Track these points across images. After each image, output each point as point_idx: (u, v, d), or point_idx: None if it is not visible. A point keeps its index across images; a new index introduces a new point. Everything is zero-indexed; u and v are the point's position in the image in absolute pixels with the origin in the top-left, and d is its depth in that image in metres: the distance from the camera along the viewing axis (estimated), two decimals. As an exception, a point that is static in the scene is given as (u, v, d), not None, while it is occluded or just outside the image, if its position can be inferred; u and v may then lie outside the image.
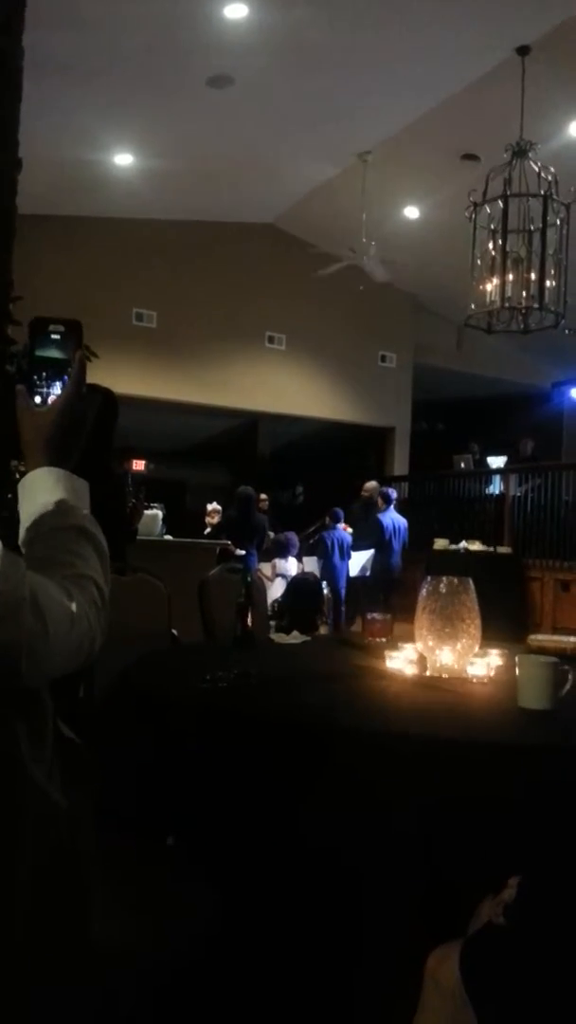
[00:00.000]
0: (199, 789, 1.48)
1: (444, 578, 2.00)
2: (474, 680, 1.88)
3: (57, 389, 1.02)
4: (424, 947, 1.16)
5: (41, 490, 0.99)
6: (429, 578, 2.01)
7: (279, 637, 2.40)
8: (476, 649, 1.96)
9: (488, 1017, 1.09)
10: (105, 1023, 1.10)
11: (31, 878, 0.90)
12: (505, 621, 7.59)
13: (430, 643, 1.96)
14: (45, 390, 1.02)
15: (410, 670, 1.92)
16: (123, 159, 7.55)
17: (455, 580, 2.00)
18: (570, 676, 1.58)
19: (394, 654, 1.97)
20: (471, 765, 1.34)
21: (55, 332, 1.03)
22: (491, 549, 8.28)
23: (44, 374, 1.02)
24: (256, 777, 1.43)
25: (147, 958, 1.24)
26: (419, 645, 1.98)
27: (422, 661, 1.95)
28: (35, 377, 1.02)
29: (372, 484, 8.58)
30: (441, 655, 1.94)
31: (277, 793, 1.40)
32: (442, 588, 1.99)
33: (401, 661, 1.94)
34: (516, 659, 1.62)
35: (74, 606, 0.89)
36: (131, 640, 2.26)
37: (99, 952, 1.08)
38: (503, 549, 8.40)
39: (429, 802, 1.31)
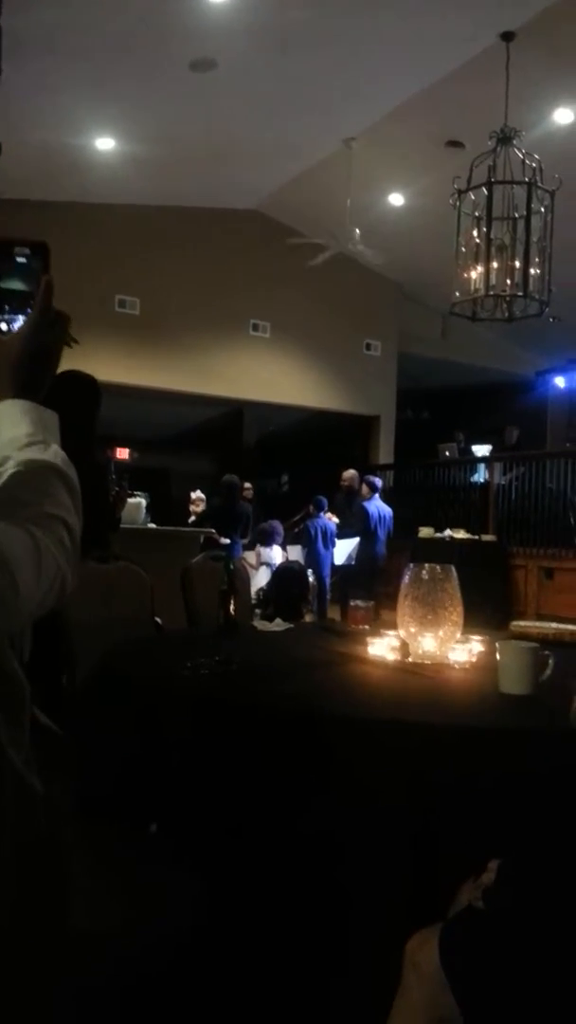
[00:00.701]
0: (181, 776, 1.48)
1: (427, 565, 2.00)
2: (456, 666, 1.88)
3: (19, 321, 0.97)
4: (405, 931, 1.17)
5: (7, 423, 0.94)
6: (412, 565, 2.01)
7: (262, 625, 2.40)
8: (458, 636, 1.97)
9: (467, 1000, 1.10)
10: (85, 1011, 1.10)
11: (8, 865, 0.90)
12: (489, 608, 7.65)
13: (412, 630, 1.96)
14: (8, 319, 0.97)
15: (392, 657, 1.92)
16: (105, 143, 7.47)
17: (437, 568, 2.00)
18: (550, 661, 1.59)
19: (376, 641, 1.97)
20: (452, 750, 1.34)
21: (20, 255, 0.98)
22: (476, 537, 8.32)
23: (6, 306, 0.97)
24: (238, 764, 1.42)
25: (128, 947, 1.24)
26: (401, 632, 1.98)
27: (404, 648, 1.96)
28: (2, 307, 0.97)
29: (351, 472, 8.59)
30: (423, 642, 1.95)
31: (259, 780, 1.40)
32: (424, 575, 1.99)
33: (383, 648, 1.95)
34: (497, 645, 1.63)
35: (40, 550, 0.84)
36: (114, 628, 2.25)
37: (79, 941, 1.08)
38: (488, 537, 8.44)
39: (411, 787, 1.31)
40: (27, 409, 0.95)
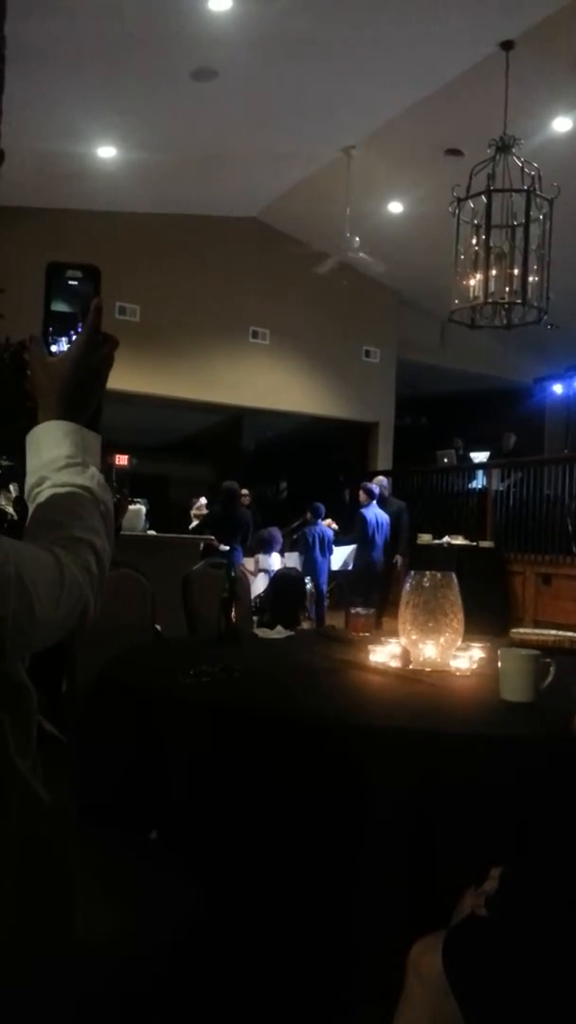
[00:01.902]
0: (182, 783, 1.48)
1: (427, 573, 2.01)
2: (457, 673, 1.89)
3: (64, 345, 0.97)
4: (408, 937, 1.17)
5: (48, 444, 0.94)
6: (412, 573, 2.02)
7: (263, 632, 2.41)
8: (459, 643, 1.97)
9: (470, 1008, 1.10)
10: (88, 1015, 1.10)
11: (14, 871, 0.90)
12: (488, 615, 7.64)
13: (413, 637, 1.97)
14: (54, 340, 0.97)
15: (393, 664, 1.92)
16: (106, 151, 7.50)
17: (438, 575, 2.01)
18: (551, 669, 1.59)
19: (377, 648, 1.97)
20: (454, 757, 1.35)
21: (72, 278, 0.99)
22: (474, 543, 8.33)
23: (52, 328, 0.97)
24: (239, 771, 1.43)
25: (131, 952, 1.24)
26: (403, 639, 1.99)
27: (405, 655, 1.96)
28: (49, 328, 0.97)
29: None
30: (424, 649, 1.95)
31: (260, 788, 1.41)
32: (425, 583, 2.00)
33: (384, 655, 1.95)
34: (498, 652, 1.63)
35: (64, 574, 0.83)
36: (114, 635, 2.25)
37: (82, 945, 1.08)
38: (485, 543, 8.45)
39: (413, 794, 1.31)
40: (69, 431, 0.95)
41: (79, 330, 0.98)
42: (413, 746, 1.35)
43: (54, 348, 0.98)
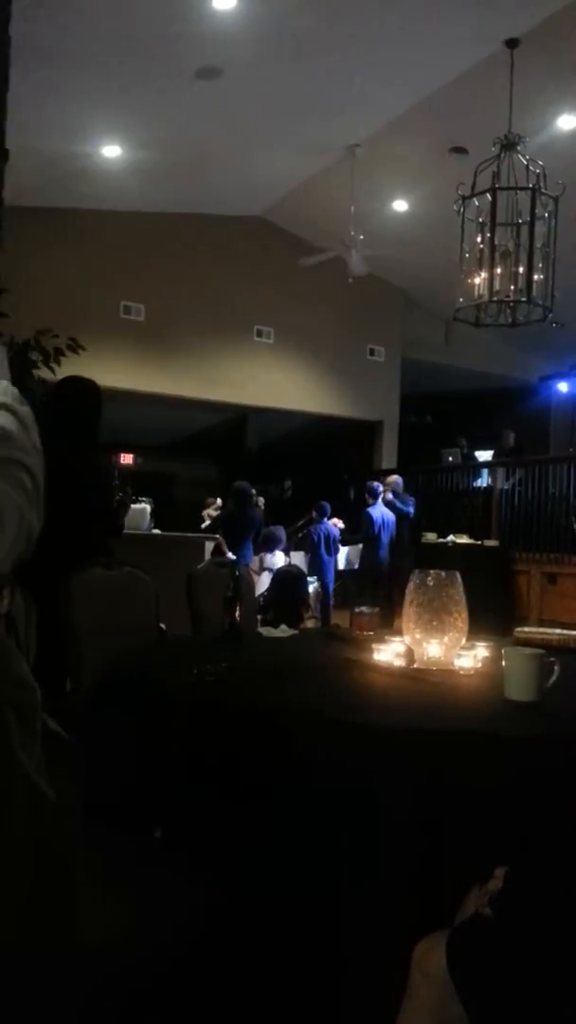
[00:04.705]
0: (186, 782, 1.48)
1: (431, 572, 2.00)
2: (461, 672, 1.88)
3: None
4: (412, 936, 1.17)
5: None
6: (417, 572, 2.02)
7: (267, 631, 2.41)
8: (463, 642, 1.97)
9: (474, 1007, 1.10)
10: (90, 1013, 1.10)
11: (18, 869, 0.90)
12: (492, 614, 7.63)
13: (418, 636, 1.96)
14: None
15: (398, 663, 1.92)
16: (111, 151, 7.50)
17: (442, 574, 2.00)
18: (556, 668, 1.59)
19: (382, 647, 1.97)
20: (457, 757, 1.34)
21: None
22: (479, 542, 8.31)
23: None
24: (243, 770, 1.43)
25: (134, 951, 1.24)
26: (407, 638, 1.98)
27: (410, 654, 1.96)
28: None
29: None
30: (429, 648, 1.95)
31: (264, 786, 1.41)
32: (429, 581, 1.99)
33: (389, 654, 1.95)
34: (503, 651, 1.63)
35: (1, 497, 0.81)
36: (119, 634, 2.26)
37: (85, 944, 1.08)
38: (490, 542, 8.43)
39: (417, 793, 1.31)
40: None
41: None
42: (417, 745, 1.35)
43: None
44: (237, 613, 2.32)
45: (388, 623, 2.96)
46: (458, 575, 2.02)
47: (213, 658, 1.79)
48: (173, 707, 1.56)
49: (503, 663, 1.62)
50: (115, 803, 1.51)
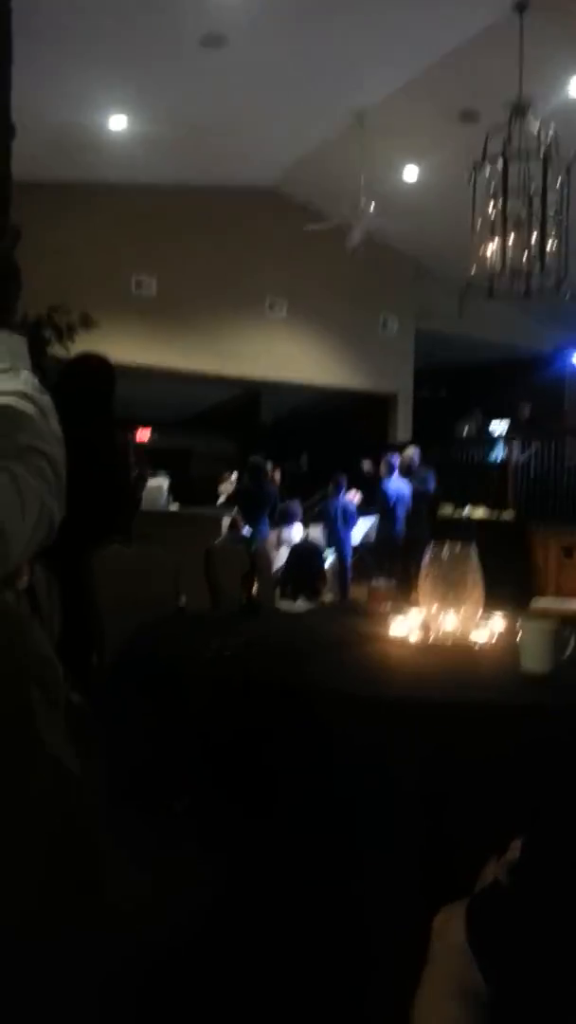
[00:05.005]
0: (205, 755, 1.50)
1: (447, 544, 2.01)
2: (477, 645, 1.89)
3: None
4: (431, 907, 1.19)
5: None
6: (433, 545, 2.02)
7: (284, 605, 2.42)
8: (479, 614, 1.97)
9: (492, 975, 1.11)
10: (116, 987, 1.13)
11: (44, 843, 0.92)
12: (509, 587, 7.60)
13: (434, 609, 1.97)
14: None
15: (414, 636, 1.93)
16: (118, 122, 7.43)
17: (458, 546, 2.01)
18: (572, 640, 1.59)
19: (398, 620, 1.98)
20: (473, 727, 1.35)
21: None
22: (495, 515, 8.29)
23: None
24: (260, 744, 1.44)
25: (158, 921, 1.27)
26: (423, 611, 1.99)
27: (426, 627, 1.97)
28: None
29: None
30: (445, 620, 1.96)
31: (280, 758, 1.42)
32: (445, 555, 2.00)
33: (405, 627, 1.96)
34: (519, 623, 1.63)
35: (20, 488, 0.82)
36: (139, 610, 2.27)
37: (111, 915, 1.10)
38: (507, 515, 8.41)
39: (430, 765, 1.32)
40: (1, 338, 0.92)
41: None
42: (429, 717, 1.36)
43: None
44: (255, 588, 2.34)
45: (405, 596, 2.96)
46: (474, 548, 2.02)
47: (231, 633, 1.80)
48: (192, 682, 1.58)
49: (519, 635, 1.62)
50: (137, 775, 1.53)
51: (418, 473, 8.25)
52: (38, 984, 0.94)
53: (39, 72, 5.79)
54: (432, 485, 8.28)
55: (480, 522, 8.12)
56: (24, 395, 0.89)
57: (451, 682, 1.58)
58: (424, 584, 1.99)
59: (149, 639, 1.87)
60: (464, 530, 7.91)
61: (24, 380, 0.91)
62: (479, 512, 8.26)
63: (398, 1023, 1.08)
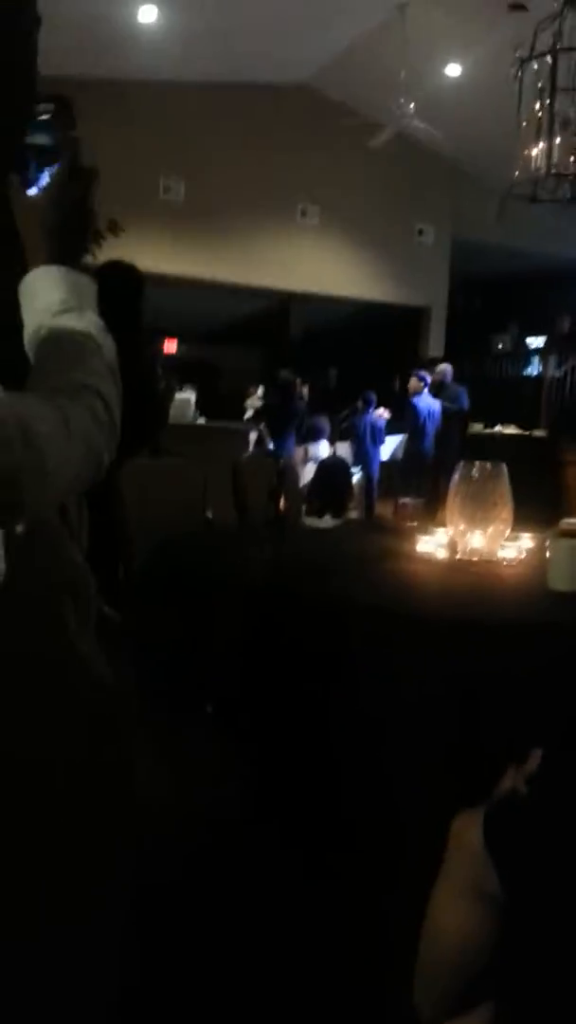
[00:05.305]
0: (232, 662, 1.54)
1: (477, 463, 1.99)
2: (505, 563, 1.89)
3: (46, 178, 0.93)
4: (451, 810, 1.22)
5: (41, 291, 0.91)
6: (463, 463, 2.00)
7: (311, 521, 2.43)
8: (507, 534, 1.97)
9: (510, 880, 1.16)
10: (147, 883, 1.19)
11: (83, 749, 0.95)
12: (538, 504, 7.56)
13: (462, 527, 1.97)
14: (36, 177, 0.93)
15: (441, 554, 1.93)
16: (147, 13, 7.08)
17: (488, 465, 1.99)
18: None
19: (425, 538, 1.98)
20: (499, 644, 1.37)
21: (45, 111, 0.95)
22: (527, 433, 8.17)
23: (35, 163, 0.93)
24: (286, 652, 1.48)
25: (188, 817, 1.33)
26: (451, 529, 1.99)
27: (453, 545, 1.97)
28: (26, 165, 0.93)
29: (441, 367, 8.31)
30: (472, 539, 1.95)
31: (306, 668, 1.46)
32: (475, 473, 1.98)
33: (432, 545, 1.96)
34: (547, 542, 1.63)
35: (70, 426, 0.81)
36: (167, 522, 2.30)
37: (142, 806, 1.15)
38: (539, 432, 8.28)
39: (456, 680, 1.35)
40: (61, 275, 0.91)
41: (58, 165, 0.93)
42: (454, 633, 1.38)
43: (33, 188, 0.93)
44: (282, 503, 2.35)
45: (432, 515, 2.96)
46: (504, 467, 2.00)
47: (258, 546, 1.82)
48: (218, 590, 1.61)
49: (547, 554, 1.62)
50: (167, 680, 1.57)
51: (450, 390, 8.09)
52: (70, 866, 0.99)
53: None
54: (465, 402, 8.12)
55: (511, 439, 8.01)
56: (87, 335, 0.89)
57: (477, 599, 1.59)
58: (453, 503, 1.98)
59: (177, 552, 1.89)
60: (495, 447, 7.82)
61: (88, 321, 0.91)
62: (511, 429, 8.14)
63: (416, 918, 1.14)
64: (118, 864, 1.09)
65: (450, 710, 1.34)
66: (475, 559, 1.91)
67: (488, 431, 8.08)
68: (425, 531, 2.06)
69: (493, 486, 1.97)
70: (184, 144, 8.60)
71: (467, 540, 1.96)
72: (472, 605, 1.54)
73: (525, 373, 9.26)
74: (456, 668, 1.35)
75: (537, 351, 9.18)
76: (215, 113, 8.64)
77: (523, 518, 2.04)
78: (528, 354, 9.31)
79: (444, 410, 7.86)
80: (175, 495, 2.53)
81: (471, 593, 1.63)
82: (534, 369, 9.11)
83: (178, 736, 1.47)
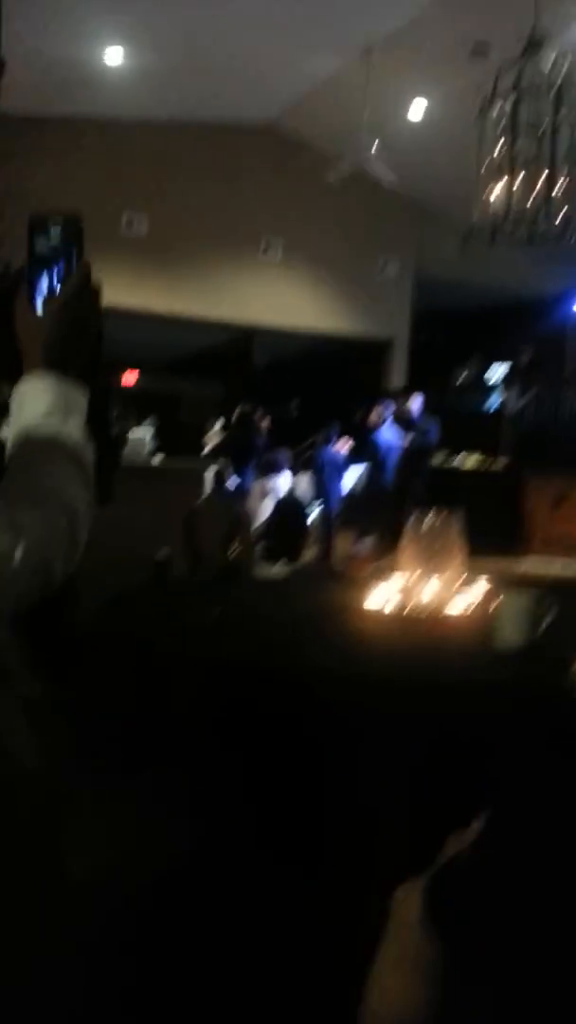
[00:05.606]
0: (178, 725, 1.51)
1: (431, 514, 2.00)
2: (455, 615, 1.90)
3: (44, 283, 0.94)
4: (392, 881, 1.21)
5: (28, 400, 0.90)
6: (416, 513, 2.02)
7: (263, 569, 2.41)
8: (459, 583, 1.97)
9: (452, 946, 1.14)
10: (86, 955, 1.15)
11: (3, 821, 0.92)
12: (499, 534, 7.66)
13: (414, 577, 1.97)
14: (46, 289, 0.94)
15: (391, 606, 1.93)
16: (114, 54, 7.14)
17: (442, 514, 2.00)
18: (549, 614, 1.59)
19: (377, 589, 1.98)
20: (445, 706, 1.36)
21: (55, 226, 0.96)
22: (488, 462, 8.28)
23: (43, 277, 0.94)
24: (232, 716, 1.45)
25: (125, 887, 1.29)
26: (403, 578, 1.99)
27: (405, 596, 1.96)
28: (34, 280, 0.94)
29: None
30: (424, 590, 1.95)
31: (253, 732, 1.43)
32: (428, 522, 1.99)
33: (382, 597, 1.96)
34: (499, 598, 1.63)
35: (21, 540, 0.79)
36: (117, 576, 2.26)
37: (76, 885, 1.12)
38: (499, 463, 8.40)
39: (403, 743, 1.33)
40: (51, 384, 0.90)
41: (65, 281, 0.94)
42: (406, 695, 1.37)
43: (39, 304, 0.94)
44: (234, 552, 2.33)
45: (392, 550, 2.96)
46: (457, 516, 2.01)
47: (207, 602, 1.80)
48: (165, 655, 1.58)
49: (497, 608, 1.62)
50: (110, 742, 1.54)
51: (420, 425, 8.10)
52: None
53: (36, 4, 5.56)
54: (434, 437, 8.11)
55: (470, 472, 8.12)
56: (64, 443, 0.88)
57: (424, 659, 1.58)
58: (406, 551, 1.99)
59: (125, 611, 1.86)
60: (457, 476, 7.92)
61: (71, 429, 0.89)
62: (473, 458, 8.24)
63: (355, 996, 1.11)
64: (49, 942, 1.05)
65: (397, 773, 1.33)
66: (426, 612, 1.91)
67: (448, 463, 8.18)
68: (378, 579, 2.06)
69: (446, 535, 1.98)
70: (147, 179, 8.66)
71: (419, 590, 1.96)
72: (419, 666, 1.53)
73: (487, 405, 9.41)
74: (404, 731, 1.34)
75: (498, 384, 9.33)
76: (179, 149, 8.72)
77: (484, 547, 2.05)
78: (490, 387, 9.46)
79: (414, 446, 7.89)
80: (125, 545, 2.49)
81: (419, 652, 1.63)
82: (495, 401, 9.26)
83: (116, 802, 1.43)
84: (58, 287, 0.93)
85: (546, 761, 1.36)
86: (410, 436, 7.88)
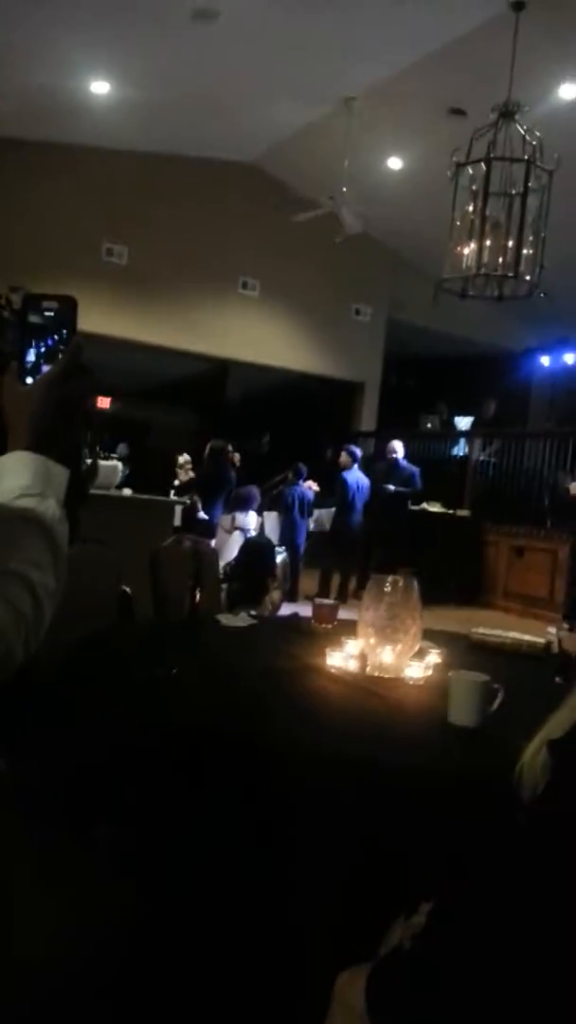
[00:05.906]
0: (125, 788, 1.50)
1: (390, 578, 2.02)
2: (410, 682, 1.92)
3: (32, 354, 0.96)
4: (335, 968, 1.21)
5: (7, 476, 0.90)
6: (373, 578, 2.04)
7: (226, 619, 2.42)
8: (415, 650, 2.00)
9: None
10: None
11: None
12: (460, 583, 7.73)
13: (372, 641, 1.99)
14: (34, 369, 0.96)
15: (350, 666, 1.95)
16: (100, 87, 7.23)
17: (400, 579, 2.02)
18: (499, 695, 1.62)
19: (336, 650, 2.00)
20: (391, 786, 1.37)
21: (48, 309, 0.98)
22: (451, 511, 8.38)
23: (34, 356, 0.96)
24: (180, 783, 1.45)
25: (72, 961, 1.27)
26: (361, 642, 2.01)
27: (363, 659, 1.98)
28: (24, 359, 0.96)
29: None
30: (381, 654, 1.97)
31: (201, 800, 1.43)
32: (387, 587, 2.01)
33: (342, 658, 1.98)
34: (449, 676, 1.66)
35: None
36: (80, 616, 2.25)
37: (24, 961, 1.10)
38: (462, 512, 8.50)
39: (347, 821, 1.34)
40: (31, 461, 0.91)
41: (55, 359, 0.96)
42: (351, 772, 1.38)
43: (28, 380, 0.96)
44: (197, 599, 2.34)
45: (361, 587, 2.97)
46: (415, 582, 2.03)
47: (164, 654, 1.80)
48: (116, 713, 1.58)
49: (448, 687, 1.64)
50: (56, 805, 1.53)
51: (403, 472, 8.13)
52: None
53: (23, 32, 5.63)
54: (418, 483, 8.13)
55: (436, 517, 8.20)
56: (38, 520, 0.88)
57: (377, 733, 1.59)
58: (364, 616, 2.01)
59: (84, 657, 1.86)
60: (419, 525, 7.99)
61: (47, 507, 0.90)
62: (436, 507, 8.33)
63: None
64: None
65: (344, 854, 1.33)
66: (383, 676, 1.93)
67: (414, 507, 8.26)
68: (337, 641, 2.07)
69: (404, 600, 2.00)
70: (129, 210, 8.74)
71: (377, 655, 1.98)
72: (370, 740, 1.54)
73: (452, 453, 9.55)
74: (350, 810, 1.35)
75: (464, 433, 9.49)
76: (163, 182, 8.83)
77: (445, 596, 2.08)
78: (456, 435, 9.62)
79: (396, 493, 7.92)
80: (90, 584, 2.49)
81: (371, 723, 1.64)
82: (460, 449, 9.41)
83: (63, 870, 1.42)
84: (49, 367, 0.95)
85: (491, 855, 1.38)
86: (395, 485, 7.90)
